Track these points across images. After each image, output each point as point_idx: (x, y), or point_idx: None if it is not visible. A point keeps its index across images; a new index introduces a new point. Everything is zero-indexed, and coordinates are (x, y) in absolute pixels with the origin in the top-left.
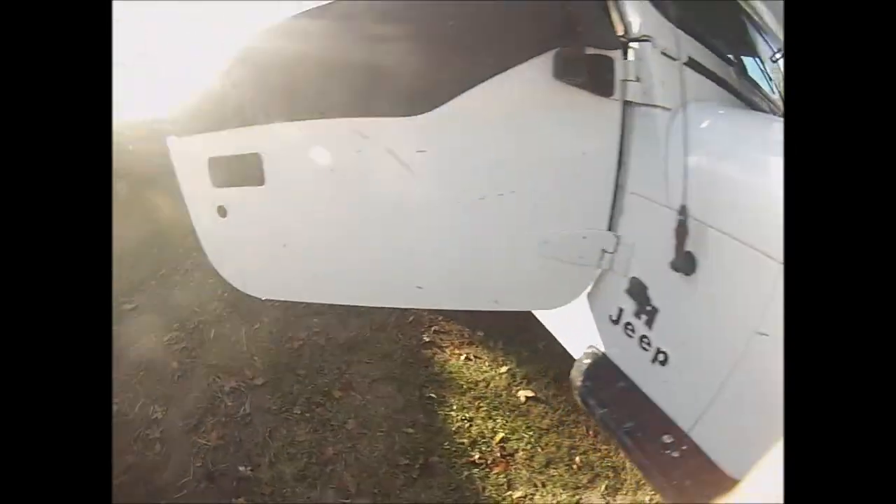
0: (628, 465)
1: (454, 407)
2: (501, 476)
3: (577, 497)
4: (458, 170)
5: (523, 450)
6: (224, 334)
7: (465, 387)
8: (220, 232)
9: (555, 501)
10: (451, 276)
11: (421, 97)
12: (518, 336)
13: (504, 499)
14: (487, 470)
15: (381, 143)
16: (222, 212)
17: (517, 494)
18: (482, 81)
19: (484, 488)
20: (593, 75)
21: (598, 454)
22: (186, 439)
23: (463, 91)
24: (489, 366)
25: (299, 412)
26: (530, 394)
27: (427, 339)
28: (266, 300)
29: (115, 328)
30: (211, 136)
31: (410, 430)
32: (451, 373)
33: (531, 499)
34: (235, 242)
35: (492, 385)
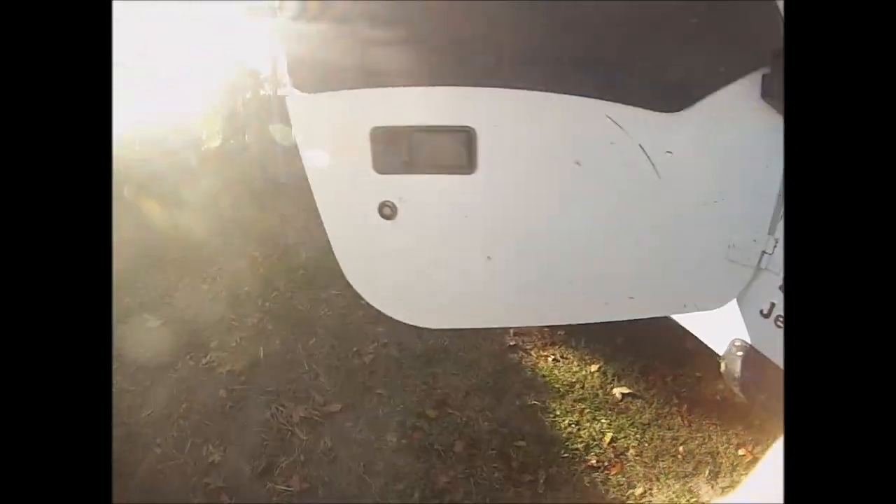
0: (722, 449)
1: (558, 412)
2: (620, 476)
3: (688, 485)
4: (693, 174)
5: (632, 447)
6: (275, 352)
7: (561, 390)
8: (379, 239)
9: (671, 493)
10: (652, 283)
11: (675, 93)
12: (596, 333)
13: (628, 498)
14: (606, 472)
15: (636, 137)
16: (388, 211)
17: (638, 491)
18: (728, 83)
19: (607, 491)
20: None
21: (696, 442)
22: (260, 486)
23: (712, 91)
24: (578, 365)
25: (394, 439)
26: (626, 390)
27: (511, 343)
28: (428, 328)
29: (141, 351)
30: (376, 95)
31: (522, 443)
32: (543, 376)
33: (651, 494)
34: (403, 254)
35: (587, 385)
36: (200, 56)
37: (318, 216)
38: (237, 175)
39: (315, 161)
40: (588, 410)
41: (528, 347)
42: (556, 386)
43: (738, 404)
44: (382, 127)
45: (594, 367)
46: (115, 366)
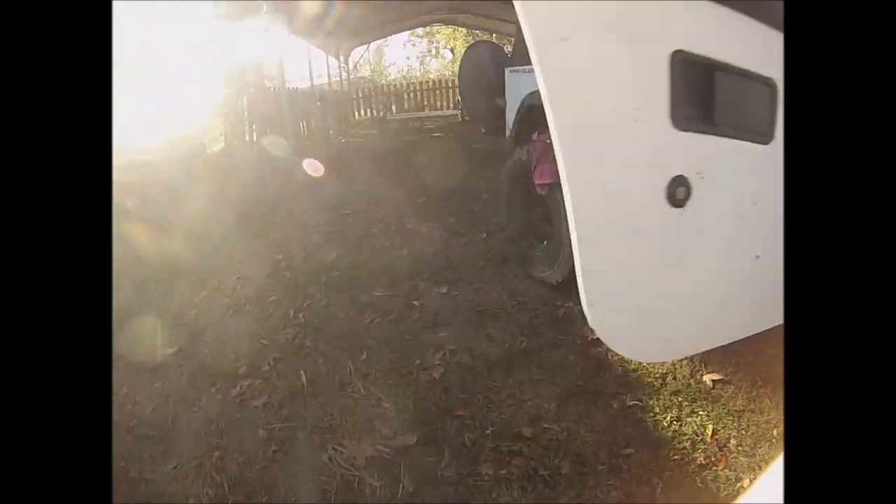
0: None
1: (657, 410)
2: (727, 470)
3: None
4: None
5: (732, 437)
6: (320, 375)
7: (655, 384)
8: (658, 238)
9: None
10: None
11: None
12: None
13: (738, 492)
14: (714, 469)
15: None
16: (682, 192)
17: (745, 483)
18: None
19: (718, 488)
20: None
21: None
22: None
23: None
24: None
25: (491, 471)
26: (716, 377)
27: (594, 336)
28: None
29: (156, 386)
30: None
31: (630, 451)
32: (634, 370)
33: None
34: (684, 260)
35: (679, 376)
36: (200, 56)
37: (342, 209)
38: (244, 175)
39: (566, 106)
40: (686, 403)
41: None
42: (650, 380)
43: None
44: (689, 54)
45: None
46: (128, 407)
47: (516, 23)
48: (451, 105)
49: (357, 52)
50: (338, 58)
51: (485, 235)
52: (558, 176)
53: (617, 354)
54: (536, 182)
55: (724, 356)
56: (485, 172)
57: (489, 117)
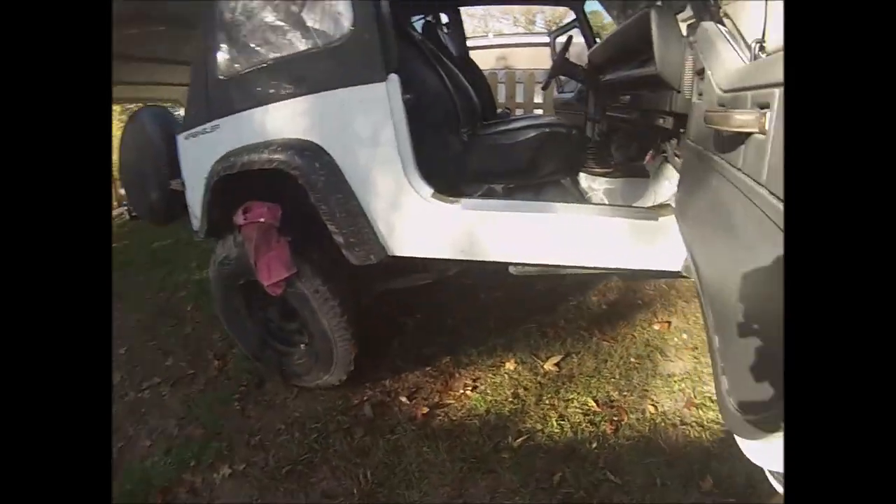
0: None
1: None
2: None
3: None
4: None
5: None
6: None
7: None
8: None
9: None
10: None
11: None
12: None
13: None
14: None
15: None
16: None
17: None
18: None
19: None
20: None
21: None
22: None
23: None
24: (681, 322)
25: None
26: None
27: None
28: None
29: (185, 477)
30: None
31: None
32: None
33: None
34: None
35: (701, 346)
36: None
37: None
38: None
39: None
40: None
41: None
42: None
43: None
44: None
45: (676, 322)
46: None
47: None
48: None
49: None
50: None
51: (217, 363)
52: (292, 264)
53: (646, 334)
54: (266, 284)
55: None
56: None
57: (165, 208)
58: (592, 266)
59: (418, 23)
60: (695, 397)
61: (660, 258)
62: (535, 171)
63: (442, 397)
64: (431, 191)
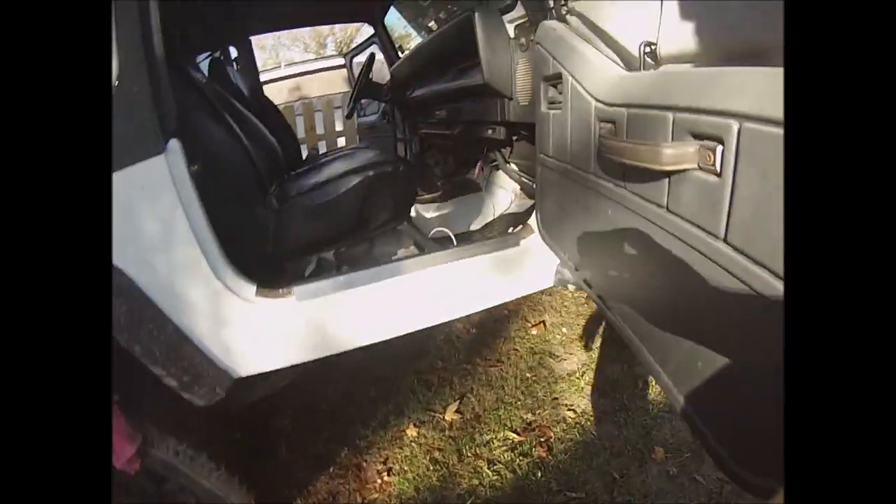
0: None
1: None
2: None
3: None
4: None
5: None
6: None
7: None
8: None
9: None
10: None
11: None
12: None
13: None
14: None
15: None
16: None
17: None
18: None
19: None
20: None
21: None
22: None
23: None
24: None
25: None
26: None
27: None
28: None
29: None
30: None
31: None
32: None
33: None
34: None
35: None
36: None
37: None
38: None
39: None
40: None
41: (512, 328)
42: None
43: None
44: None
45: (550, 319)
46: None
47: None
48: None
49: None
50: None
51: None
52: (135, 432)
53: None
54: (118, 467)
55: None
56: None
57: None
58: (468, 314)
59: (204, 62)
60: (603, 384)
61: (531, 281)
62: (366, 225)
63: (363, 495)
64: (254, 287)
